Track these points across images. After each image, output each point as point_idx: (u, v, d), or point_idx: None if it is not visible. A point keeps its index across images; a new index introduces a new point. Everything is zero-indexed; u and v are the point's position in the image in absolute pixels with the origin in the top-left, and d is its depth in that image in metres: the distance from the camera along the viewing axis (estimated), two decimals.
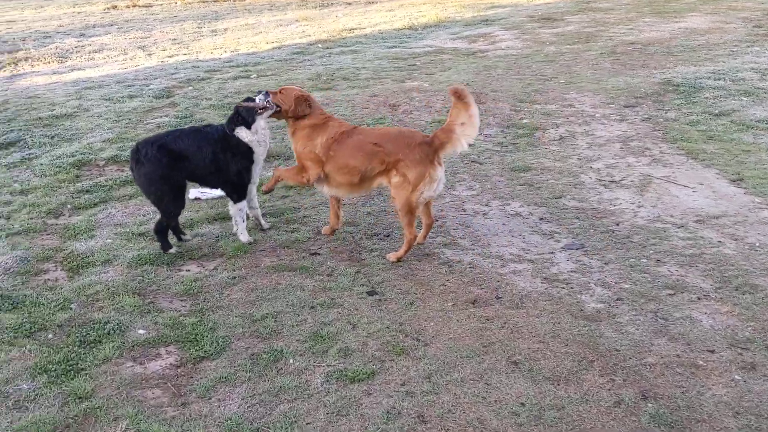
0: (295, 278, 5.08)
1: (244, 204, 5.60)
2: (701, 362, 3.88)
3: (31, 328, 4.46)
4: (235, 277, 5.14)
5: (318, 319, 4.49)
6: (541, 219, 6.10)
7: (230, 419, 3.55)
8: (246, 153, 5.45)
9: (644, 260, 5.15)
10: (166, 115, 10.04)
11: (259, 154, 5.53)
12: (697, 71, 11.90)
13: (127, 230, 6.06)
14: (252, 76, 12.64)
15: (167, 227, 5.52)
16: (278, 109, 5.48)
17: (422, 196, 5.23)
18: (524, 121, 9.38)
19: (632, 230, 5.73)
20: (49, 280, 5.24)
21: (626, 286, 4.76)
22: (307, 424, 3.50)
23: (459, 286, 4.85)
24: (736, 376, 3.76)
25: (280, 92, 5.50)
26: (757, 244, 5.34)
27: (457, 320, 4.40)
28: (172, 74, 13.15)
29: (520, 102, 10.37)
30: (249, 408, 3.65)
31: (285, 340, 4.28)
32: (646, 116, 9.47)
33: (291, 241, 5.74)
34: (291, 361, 4.04)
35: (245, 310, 4.66)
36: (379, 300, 4.70)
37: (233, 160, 5.42)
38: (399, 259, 5.30)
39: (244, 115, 5.39)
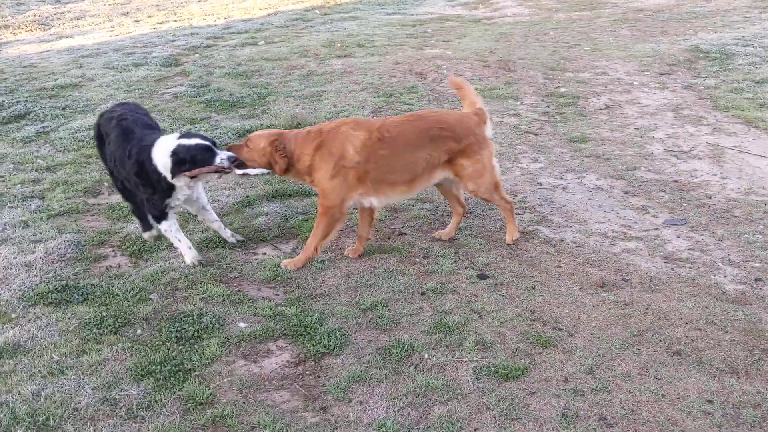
0: (389, 261, 4.66)
1: (167, 224, 4.61)
2: None
3: (114, 323, 3.97)
4: (323, 261, 4.69)
5: (435, 306, 4.08)
6: (625, 192, 5.76)
7: (384, 425, 3.15)
8: (165, 188, 4.48)
9: (759, 236, 4.85)
10: (181, 85, 9.43)
11: (182, 192, 4.55)
12: (720, 38, 11.64)
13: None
14: (260, 43, 12.02)
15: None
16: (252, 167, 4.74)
17: (497, 170, 4.84)
18: (562, 89, 9.01)
19: (729, 204, 5.43)
20: (111, 266, 4.75)
21: (757, 264, 4.45)
22: (475, 430, 3.11)
23: (576, 268, 4.49)
24: None
25: (247, 144, 4.57)
26: None
27: (593, 306, 4.04)
28: (172, 41, 12.44)
29: (551, 70, 10.00)
30: (399, 411, 3.25)
31: (407, 331, 3.87)
32: (685, 84, 9.18)
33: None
34: (426, 355, 3.63)
35: (349, 297, 4.23)
36: (495, 284, 4.31)
37: (146, 187, 4.49)
38: (516, 239, 4.88)
39: (193, 170, 4.36)
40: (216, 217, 4.89)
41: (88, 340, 3.83)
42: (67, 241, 5.02)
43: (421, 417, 3.21)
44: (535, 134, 7.34)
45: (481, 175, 4.69)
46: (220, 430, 3.18)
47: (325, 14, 15.79)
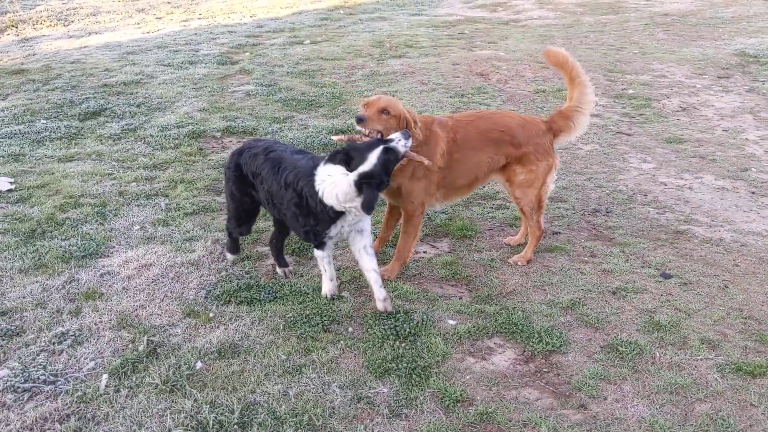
0: (560, 260, 4.69)
1: (323, 253, 4.07)
2: None
3: (322, 321, 3.93)
4: (492, 260, 4.70)
5: (636, 305, 4.13)
6: (752, 193, 5.88)
7: (655, 422, 3.16)
8: (331, 216, 3.85)
9: None
10: (247, 83, 9.33)
11: (349, 218, 3.88)
12: (761, 42, 11.93)
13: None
14: (305, 42, 11.96)
15: (231, 239, 4.57)
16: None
17: (549, 189, 4.64)
18: (630, 91, 9.15)
19: None
20: (274, 264, 4.67)
21: None
22: (749, 426, 3.15)
23: (755, 266, 4.58)
24: None
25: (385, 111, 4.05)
26: None
27: None
28: (214, 39, 12.32)
29: (610, 72, 10.13)
30: (660, 408, 3.27)
31: (621, 330, 3.90)
32: (747, 87, 9.39)
33: (512, 218, 5.33)
34: (657, 354, 3.66)
35: (541, 296, 4.25)
36: (684, 283, 4.37)
37: (307, 218, 3.94)
38: (530, 261, 4.65)
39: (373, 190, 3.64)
40: (376, 265, 4.00)
41: (305, 338, 3.77)
42: (222, 239, 4.93)
43: (686, 415, 3.24)
44: (629, 135, 7.43)
45: (530, 185, 4.52)
46: (491, 427, 3.16)
47: (350, 14, 15.76)
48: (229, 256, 4.65)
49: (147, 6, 17.16)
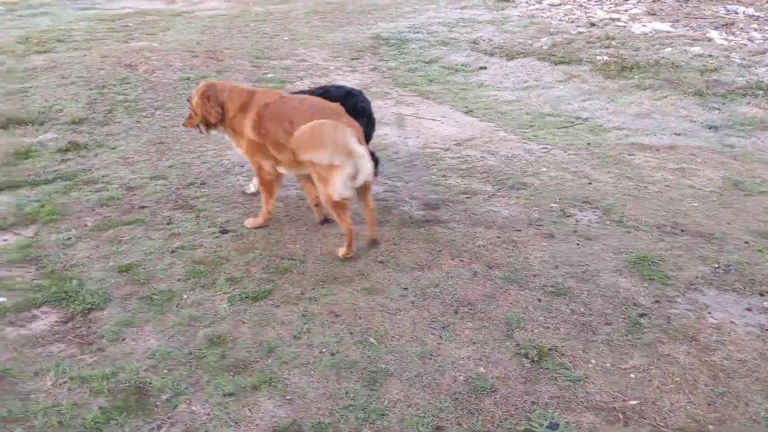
0: (136, 230, 5.17)
1: None
2: (516, 238, 5.04)
3: None
4: (68, 238, 5.05)
5: (186, 260, 4.72)
6: None
7: (157, 350, 3.75)
8: None
9: (434, 177, 6.22)
10: None
11: None
12: (396, 26, 13.52)
13: None
14: None
15: None
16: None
17: None
18: (269, 75, 9.96)
19: (411, 157, 6.78)
20: None
21: (433, 196, 5.77)
22: (234, 339, 3.87)
23: (295, 213, 5.41)
24: (543, 243, 4.98)
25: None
26: (510, 155, 6.77)
27: (317, 239, 5.00)
28: None
29: (257, 59, 10.90)
30: (169, 339, 3.87)
31: (164, 281, 4.46)
32: (372, 66, 10.69)
33: (107, 198, 5.71)
34: (185, 296, 4.28)
35: (103, 264, 4.69)
36: (237, 236, 5.06)
37: None
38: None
39: None
40: None
41: None
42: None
43: (189, 339, 3.87)
44: None
45: None
46: (7, 381, 3.51)
47: (10, 10, 14.96)
48: None
49: None
